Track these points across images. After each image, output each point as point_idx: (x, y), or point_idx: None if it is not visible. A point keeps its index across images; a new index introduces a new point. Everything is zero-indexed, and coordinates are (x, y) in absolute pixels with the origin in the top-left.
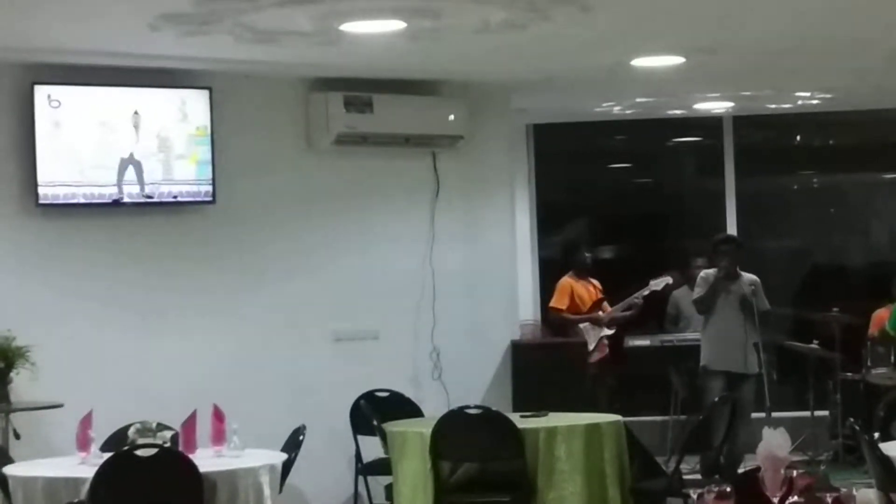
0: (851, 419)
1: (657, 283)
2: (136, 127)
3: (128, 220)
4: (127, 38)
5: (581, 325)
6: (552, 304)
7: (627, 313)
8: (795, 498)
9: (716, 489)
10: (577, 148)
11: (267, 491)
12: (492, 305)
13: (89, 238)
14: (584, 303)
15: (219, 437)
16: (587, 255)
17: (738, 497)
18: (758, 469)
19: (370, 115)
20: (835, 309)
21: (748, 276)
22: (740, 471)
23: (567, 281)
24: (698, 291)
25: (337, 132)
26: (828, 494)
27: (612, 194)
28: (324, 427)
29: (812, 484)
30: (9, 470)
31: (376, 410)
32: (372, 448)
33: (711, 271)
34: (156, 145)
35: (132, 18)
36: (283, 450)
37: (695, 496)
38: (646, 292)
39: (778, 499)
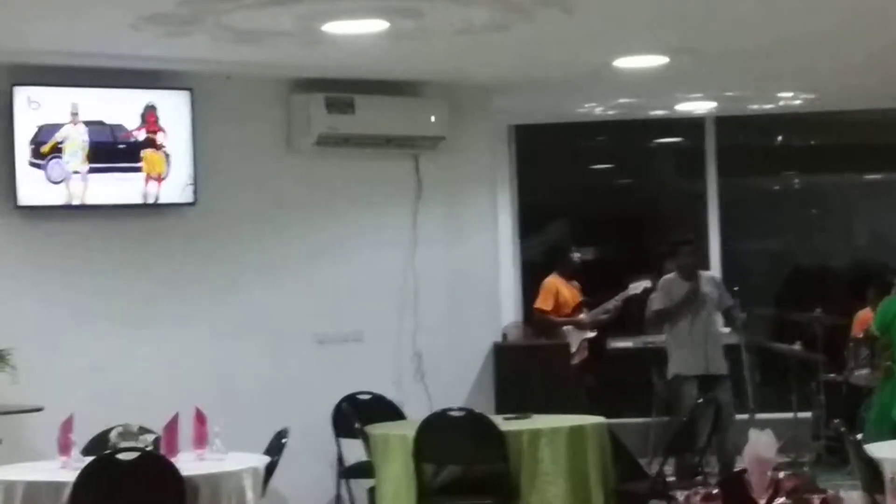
0: (835, 420)
1: (636, 287)
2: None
3: (108, 223)
4: (108, 40)
5: (564, 328)
6: (537, 304)
7: (606, 316)
8: (782, 499)
9: (702, 491)
10: (559, 149)
11: (249, 494)
12: (474, 307)
13: (69, 240)
14: (567, 304)
15: (201, 440)
16: (576, 256)
17: (724, 499)
18: (744, 471)
19: (352, 117)
20: (817, 310)
21: (707, 275)
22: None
23: (553, 281)
24: (659, 301)
25: (318, 133)
26: (815, 496)
27: (594, 195)
28: (306, 430)
29: (799, 485)
30: None
31: (359, 413)
32: (354, 451)
33: (672, 276)
34: None
35: (113, 19)
36: (265, 453)
37: (681, 498)
38: (625, 296)
39: (765, 500)
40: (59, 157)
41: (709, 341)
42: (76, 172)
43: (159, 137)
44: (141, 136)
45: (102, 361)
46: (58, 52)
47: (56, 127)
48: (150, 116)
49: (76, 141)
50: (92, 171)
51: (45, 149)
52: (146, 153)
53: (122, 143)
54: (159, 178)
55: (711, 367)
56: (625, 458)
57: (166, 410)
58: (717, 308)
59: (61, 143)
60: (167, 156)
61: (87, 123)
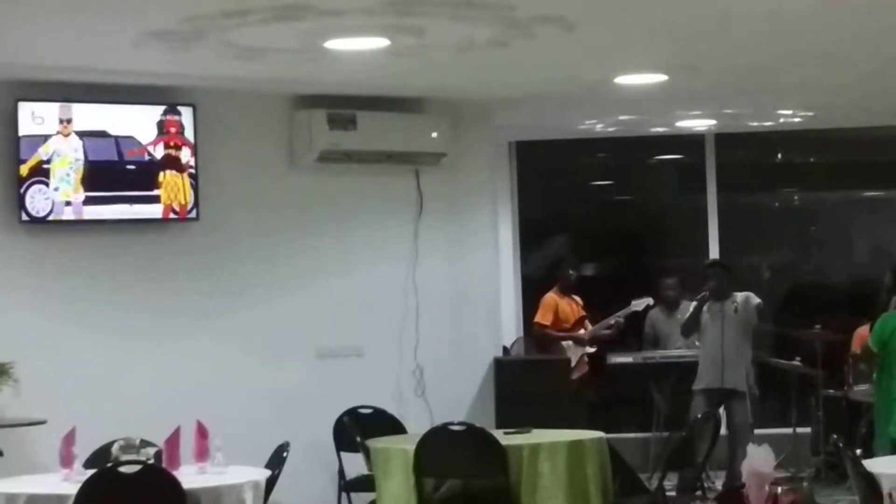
0: (834, 436)
1: (638, 304)
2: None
3: (111, 238)
4: (112, 55)
5: (563, 343)
6: (537, 319)
7: (608, 332)
8: None
9: None
10: (559, 165)
11: None
12: (475, 322)
13: (73, 254)
14: (567, 319)
15: (202, 453)
16: (572, 272)
17: None
18: (742, 486)
19: (353, 133)
20: (817, 326)
21: (740, 295)
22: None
23: (552, 297)
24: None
25: (320, 149)
26: None
27: (594, 212)
28: (307, 444)
29: (796, 500)
30: None
31: (360, 427)
32: (355, 465)
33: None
34: None
35: (117, 35)
36: (266, 466)
37: None
38: (627, 312)
39: None
40: (44, 184)
41: (724, 357)
42: (68, 203)
43: (183, 155)
44: (158, 152)
45: (105, 375)
46: (62, 68)
47: (40, 139)
48: (169, 125)
49: (67, 158)
50: (89, 201)
51: (24, 170)
52: (166, 176)
53: (131, 163)
54: (183, 211)
55: (727, 381)
56: (624, 472)
57: (168, 424)
58: (745, 327)
59: (47, 161)
60: (194, 179)
61: (82, 134)
